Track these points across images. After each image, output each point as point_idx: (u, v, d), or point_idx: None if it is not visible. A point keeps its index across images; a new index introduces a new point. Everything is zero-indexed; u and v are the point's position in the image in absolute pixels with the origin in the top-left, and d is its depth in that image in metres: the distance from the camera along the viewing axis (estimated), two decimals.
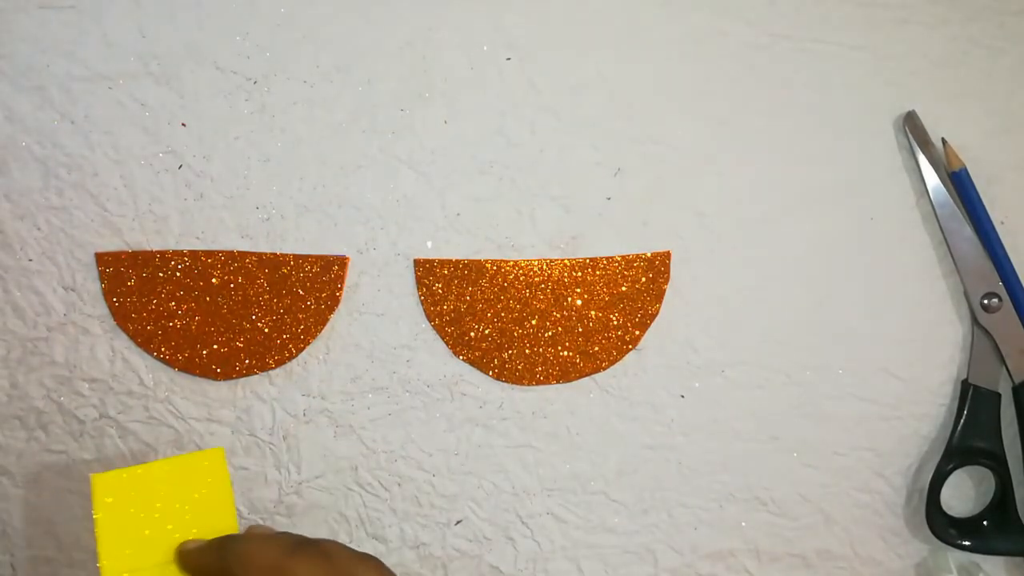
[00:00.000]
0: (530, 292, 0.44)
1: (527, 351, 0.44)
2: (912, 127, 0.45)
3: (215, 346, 0.43)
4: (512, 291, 0.44)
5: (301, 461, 0.44)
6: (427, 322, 0.44)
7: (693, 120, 0.45)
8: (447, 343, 0.44)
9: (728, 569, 0.46)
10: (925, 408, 0.46)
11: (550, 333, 0.44)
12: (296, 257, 0.43)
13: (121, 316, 0.43)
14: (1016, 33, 0.46)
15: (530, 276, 0.44)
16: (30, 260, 0.43)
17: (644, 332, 0.44)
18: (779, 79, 0.45)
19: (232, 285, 0.43)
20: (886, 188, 0.46)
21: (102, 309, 0.43)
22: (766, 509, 0.46)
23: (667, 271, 0.44)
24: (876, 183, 0.46)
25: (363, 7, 0.44)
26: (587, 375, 0.44)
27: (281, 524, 0.44)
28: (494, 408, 0.45)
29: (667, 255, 0.45)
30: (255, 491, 0.44)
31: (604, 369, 0.44)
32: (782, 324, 0.45)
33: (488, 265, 0.44)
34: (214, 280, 0.43)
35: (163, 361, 0.43)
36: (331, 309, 0.44)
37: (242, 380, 0.44)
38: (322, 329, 0.43)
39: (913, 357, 0.46)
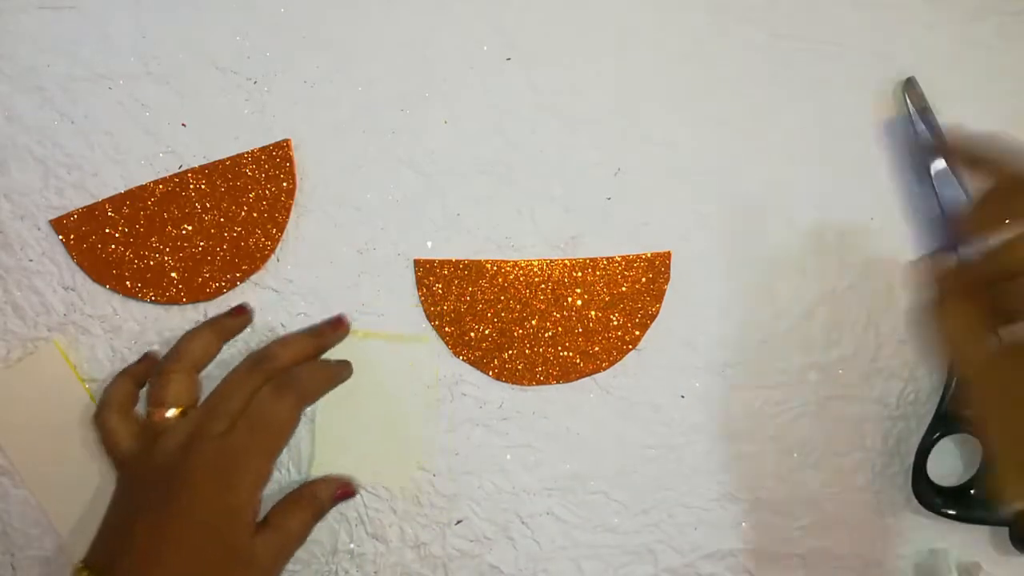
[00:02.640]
0: (530, 292, 0.44)
1: (527, 351, 0.44)
2: (911, 94, 0.45)
3: (206, 270, 0.43)
4: (512, 291, 0.44)
5: (301, 461, 0.44)
6: (427, 322, 0.44)
7: (693, 120, 0.45)
8: (447, 343, 0.44)
9: (728, 569, 0.46)
10: (925, 408, 0.46)
11: (550, 333, 0.44)
12: (234, 158, 0.43)
13: (98, 275, 0.43)
14: (1016, 33, 0.46)
15: (530, 276, 0.44)
16: (30, 260, 0.43)
17: (644, 332, 0.44)
18: (779, 79, 0.45)
19: (187, 210, 0.43)
20: (886, 188, 0.46)
21: (102, 309, 0.43)
22: (766, 509, 0.46)
23: (667, 271, 0.44)
24: (876, 183, 0.46)
25: (363, 7, 0.44)
26: (587, 375, 0.44)
27: None
28: (494, 408, 0.45)
29: (667, 255, 0.45)
30: None
31: (604, 369, 0.44)
32: (782, 324, 0.45)
33: (488, 265, 0.44)
34: (174, 209, 0.43)
35: (156, 302, 0.43)
36: (290, 195, 0.43)
37: None
38: (287, 219, 0.43)
39: (913, 356, 0.46)
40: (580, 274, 0.44)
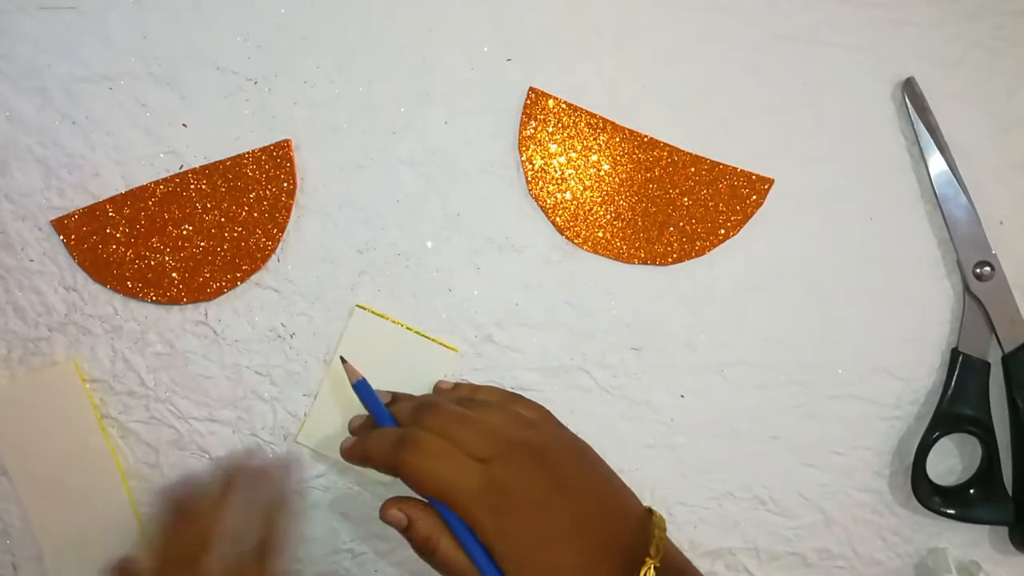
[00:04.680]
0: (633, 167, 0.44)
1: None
2: (911, 94, 0.45)
3: (206, 270, 0.43)
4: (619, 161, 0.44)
5: (302, 461, 0.44)
6: (426, 322, 0.44)
7: (693, 120, 0.45)
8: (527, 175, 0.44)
9: (727, 568, 0.46)
10: (925, 408, 0.46)
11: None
12: (235, 158, 0.43)
13: (99, 275, 0.43)
14: (1015, 33, 0.46)
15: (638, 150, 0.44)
16: (31, 260, 0.43)
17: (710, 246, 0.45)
18: (779, 79, 0.45)
19: (188, 210, 0.43)
20: (887, 188, 0.46)
21: (103, 309, 0.43)
22: (765, 508, 0.46)
23: (761, 197, 0.45)
24: (876, 182, 0.46)
25: (363, 7, 0.44)
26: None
27: None
28: None
29: (770, 180, 0.45)
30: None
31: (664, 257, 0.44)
32: (782, 324, 0.46)
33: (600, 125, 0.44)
34: (174, 209, 0.43)
35: (157, 302, 0.43)
36: (291, 195, 0.43)
37: (244, 380, 0.44)
38: (288, 219, 0.43)
39: (913, 358, 0.46)
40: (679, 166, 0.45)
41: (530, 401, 0.41)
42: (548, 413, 0.40)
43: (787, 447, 0.46)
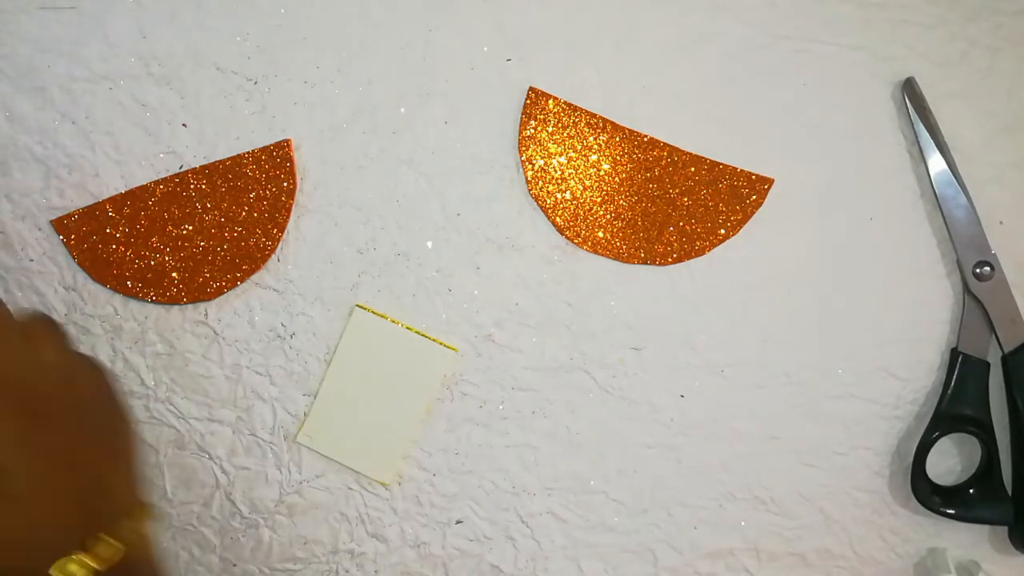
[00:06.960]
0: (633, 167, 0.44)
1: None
2: (911, 94, 0.45)
3: (206, 270, 0.43)
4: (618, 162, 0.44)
5: (302, 461, 0.44)
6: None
7: (692, 120, 0.45)
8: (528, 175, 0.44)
9: (727, 568, 0.46)
10: (925, 408, 0.46)
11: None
12: (234, 158, 0.43)
13: (99, 275, 0.43)
14: (1015, 33, 0.46)
15: (637, 150, 0.44)
16: (31, 260, 0.43)
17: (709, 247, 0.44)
18: (779, 79, 0.45)
19: (188, 210, 0.43)
20: (886, 188, 0.46)
21: (103, 309, 0.43)
22: (766, 508, 0.46)
23: (760, 197, 0.45)
24: (876, 183, 0.46)
25: (363, 7, 0.44)
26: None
27: (282, 523, 0.44)
28: (494, 408, 0.45)
29: (769, 181, 0.45)
30: (256, 490, 0.44)
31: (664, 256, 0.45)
32: (782, 324, 0.46)
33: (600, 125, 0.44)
34: (174, 209, 0.43)
35: (157, 302, 0.43)
36: (291, 195, 0.43)
37: (244, 380, 0.44)
38: (288, 219, 0.43)
39: (913, 358, 0.46)
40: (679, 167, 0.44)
41: None
42: None
43: (787, 447, 0.46)
